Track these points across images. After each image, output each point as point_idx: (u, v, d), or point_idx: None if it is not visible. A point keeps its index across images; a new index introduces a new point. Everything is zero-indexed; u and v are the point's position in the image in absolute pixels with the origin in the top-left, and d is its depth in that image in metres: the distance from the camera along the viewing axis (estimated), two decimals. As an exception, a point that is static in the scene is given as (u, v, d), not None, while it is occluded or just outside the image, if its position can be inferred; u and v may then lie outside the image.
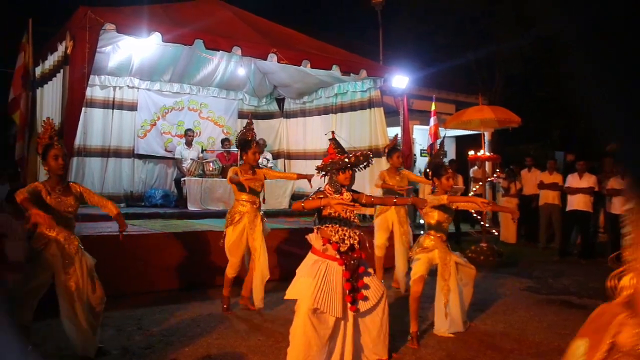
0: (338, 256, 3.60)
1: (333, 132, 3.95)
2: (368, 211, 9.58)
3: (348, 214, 3.65)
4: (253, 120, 5.61)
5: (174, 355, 4.08)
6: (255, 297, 5.22)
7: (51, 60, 7.12)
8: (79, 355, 3.86)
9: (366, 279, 3.75)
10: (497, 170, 11.62)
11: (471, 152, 9.62)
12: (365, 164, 3.72)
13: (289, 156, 11.62)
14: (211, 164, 9.66)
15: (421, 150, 14.40)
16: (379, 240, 6.52)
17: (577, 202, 9.18)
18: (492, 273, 7.62)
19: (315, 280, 3.51)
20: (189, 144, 10.12)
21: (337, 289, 3.56)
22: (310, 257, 3.71)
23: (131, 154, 10.29)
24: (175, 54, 9.70)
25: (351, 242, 3.64)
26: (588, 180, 9.11)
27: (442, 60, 14.63)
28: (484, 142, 10.02)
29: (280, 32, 8.61)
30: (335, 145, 3.76)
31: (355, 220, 3.75)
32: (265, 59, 7.76)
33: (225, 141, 10.43)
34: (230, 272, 5.30)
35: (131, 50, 9.30)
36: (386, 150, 6.87)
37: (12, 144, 6.32)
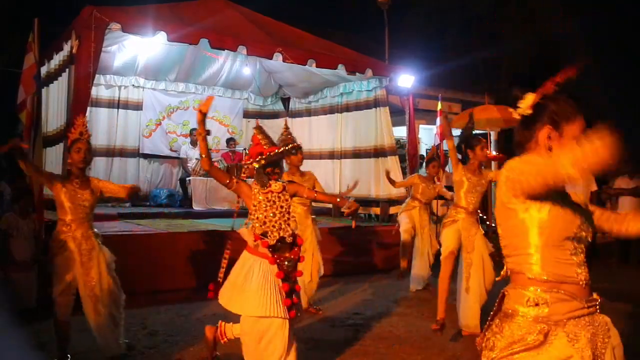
0: (270, 255, 3.11)
1: (257, 120, 3.76)
2: (373, 211, 9.57)
3: (275, 202, 3.16)
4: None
5: (178, 355, 4.08)
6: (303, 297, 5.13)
7: (57, 59, 7.12)
8: (106, 357, 3.83)
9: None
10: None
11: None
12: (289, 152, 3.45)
13: (295, 155, 11.58)
14: (216, 163, 9.64)
15: (427, 149, 14.35)
16: (405, 225, 6.50)
17: None
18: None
19: (251, 287, 3.07)
20: (194, 143, 10.10)
21: (277, 289, 3.07)
22: (244, 257, 3.21)
23: (136, 154, 10.31)
24: (180, 53, 9.70)
25: (281, 234, 3.13)
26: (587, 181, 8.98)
27: (448, 60, 14.55)
28: (490, 142, 9.97)
29: (285, 31, 8.58)
30: (260, 133, 3.24)
31: (290, 212, 3.22)
32: (270, 58, 7.75)
33: (230, 141, 10.43)
34: None
35: (137, 50, 9.30)
36: (425, 159, 6.98)
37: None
